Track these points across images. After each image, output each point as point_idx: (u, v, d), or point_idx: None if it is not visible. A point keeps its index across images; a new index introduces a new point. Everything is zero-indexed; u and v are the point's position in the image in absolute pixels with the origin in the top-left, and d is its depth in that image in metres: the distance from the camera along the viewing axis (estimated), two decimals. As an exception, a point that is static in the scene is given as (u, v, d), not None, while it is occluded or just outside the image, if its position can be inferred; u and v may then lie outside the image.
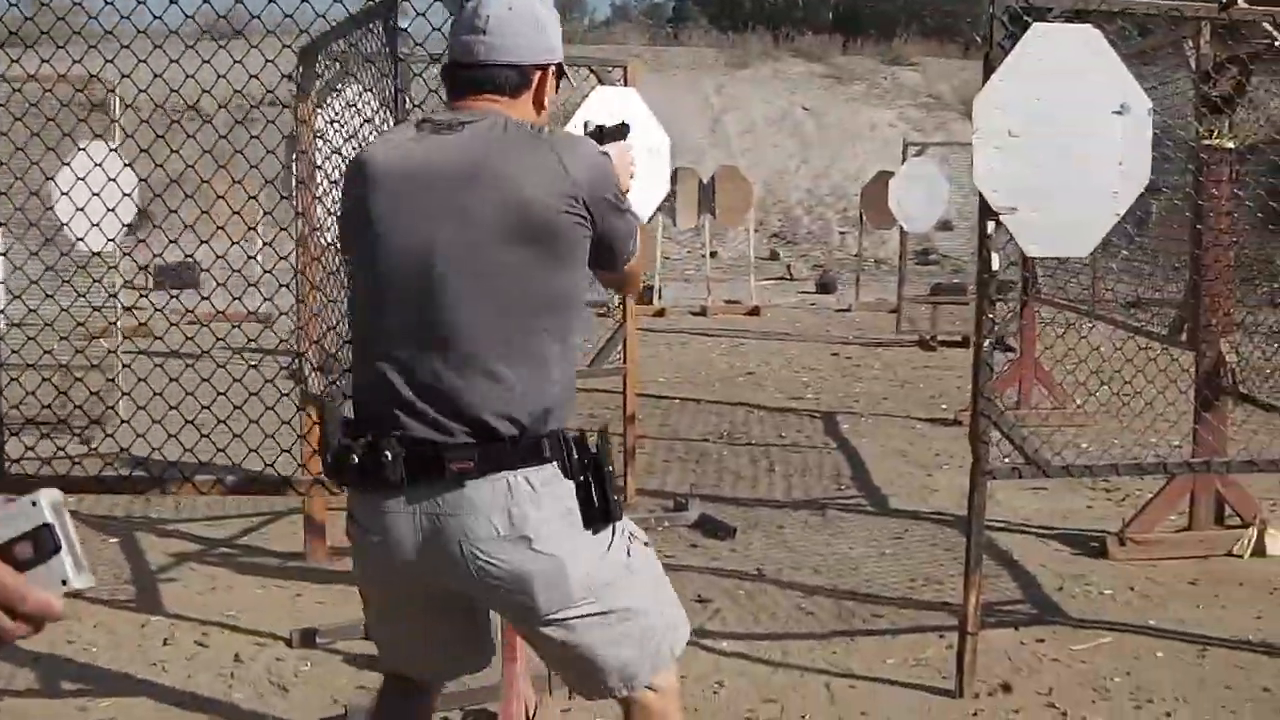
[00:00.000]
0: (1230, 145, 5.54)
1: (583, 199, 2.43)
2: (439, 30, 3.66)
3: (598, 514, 2.50)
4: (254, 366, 4.17)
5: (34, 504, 1.18)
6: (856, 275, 17.08)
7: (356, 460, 2.44)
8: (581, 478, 2.49)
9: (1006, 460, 4.20)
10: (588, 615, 2.51)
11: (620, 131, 2.84)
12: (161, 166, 4.16)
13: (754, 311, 15.77)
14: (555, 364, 2.50)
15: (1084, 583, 5.41)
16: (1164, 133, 5.59)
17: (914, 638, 4.80)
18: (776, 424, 9.19)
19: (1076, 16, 4.06)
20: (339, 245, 3.54)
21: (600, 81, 6.29)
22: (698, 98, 26.00)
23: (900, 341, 13.39)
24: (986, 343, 4.10)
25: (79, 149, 4.80)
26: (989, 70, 4.02)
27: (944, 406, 9.48)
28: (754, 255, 18.10)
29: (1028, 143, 3.99)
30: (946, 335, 13.05)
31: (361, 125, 4.06)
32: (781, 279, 20.62)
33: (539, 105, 2.62)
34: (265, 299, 4.25)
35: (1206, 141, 5.48)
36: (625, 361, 6.51)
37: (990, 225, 4.05)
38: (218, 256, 4.21)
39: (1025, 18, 3.99)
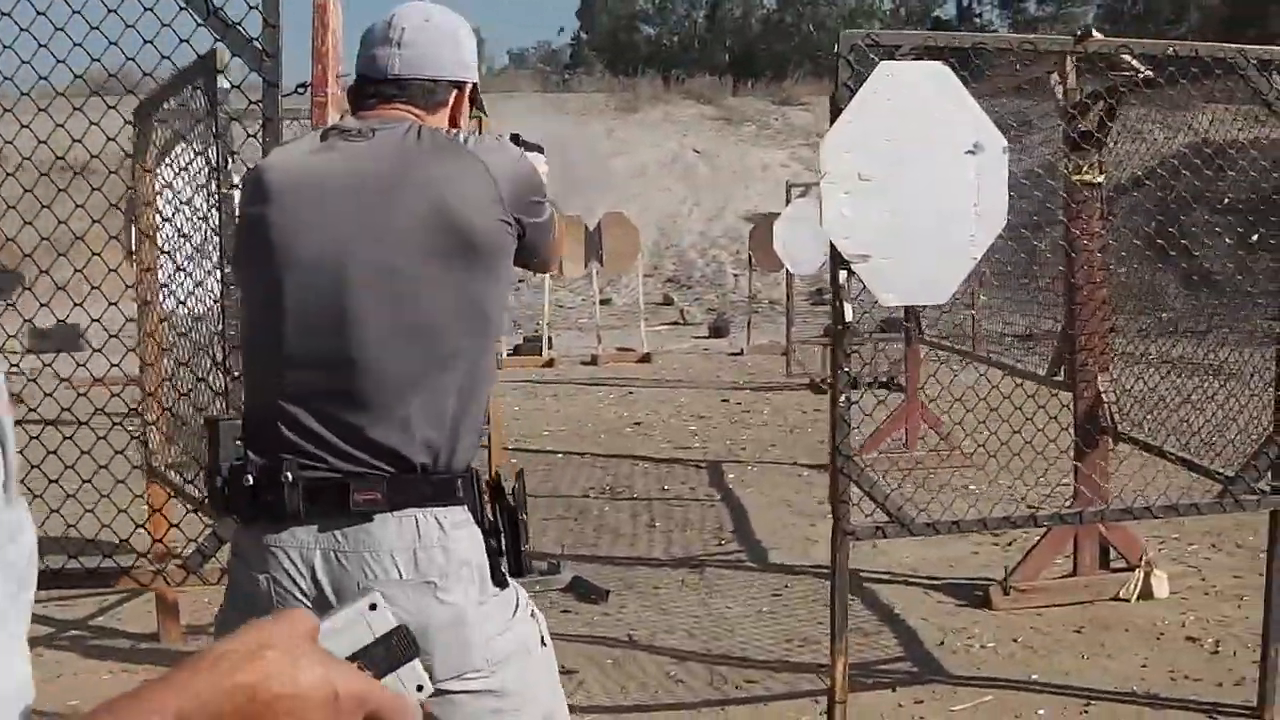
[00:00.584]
0: (1097, 180, 5.44)
1: (509, 205, 2.29)
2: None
3: (509, 568, 2.29)
4: (135, 437, 3.86)
5: (373, 607, 1.06)
6: (748, 318, 16.96)
7: (250, 483, 2.19)
8: (493, 526, 2.29)
9: (869, 519, 4.00)
10: (479, 692, 2.22)
11: (537, 148, 2.73)
12: (31, 224, 3.80)
13: (645, 359, 15.57)
14: (470, 392, 2.28)
15: (966, 636, 5.23)
16: (1047, 169, 5.50)
17: (789, 704, 4.57)
18: (661, 476, 8.95)
19: (926, 53, 3.89)
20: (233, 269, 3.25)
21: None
22: (587, 143, 25.88)
23: (790, 385, 13.25)
24: (843, 398, 3.90)
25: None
26: (836, 111, 3.84)
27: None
28: (645, 301, 17.92)
29: (878, 186, 3.81)
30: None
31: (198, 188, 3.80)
32: (675, 324, 20.47)
33: (454, 125, 2.45)
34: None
35: (1076, 177, 5.38)
36: (487, 420, 6.20)
37: (843, 274, 3.85)
38: (93, 319, 3.90)
39: (872, 55, 3.82)
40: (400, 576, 2.16)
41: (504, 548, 2.30)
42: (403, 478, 2.20)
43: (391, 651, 1.07)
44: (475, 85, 2.53)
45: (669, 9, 59.30)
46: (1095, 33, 4.09)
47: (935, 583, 6.01)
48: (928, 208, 3.83)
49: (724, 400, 12.51)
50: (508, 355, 15.10)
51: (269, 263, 2.28)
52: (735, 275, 23.32)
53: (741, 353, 15.96)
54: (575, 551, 6.83)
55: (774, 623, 5.55)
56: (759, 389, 13.14)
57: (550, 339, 16.00)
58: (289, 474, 2.17)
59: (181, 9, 3.15)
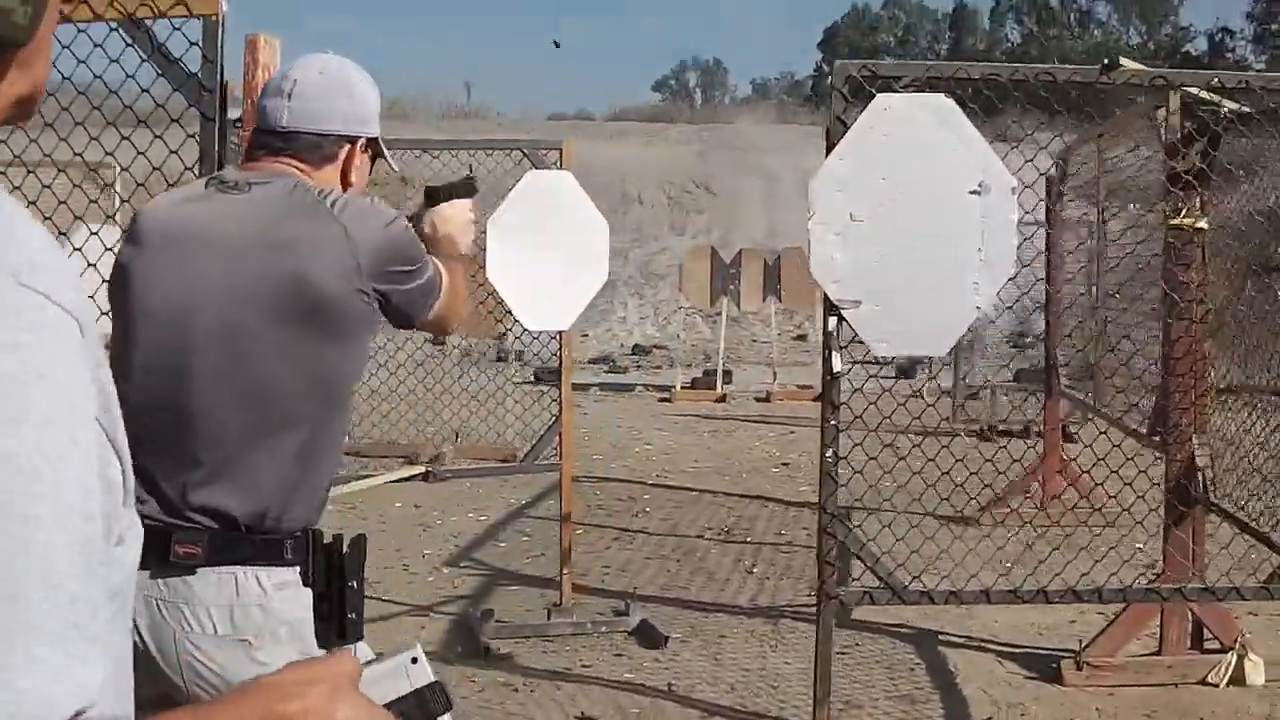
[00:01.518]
0: (1202, 225, 5.02)
1: (367, 274, 2.27)
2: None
3: (332, 630, 2.25)
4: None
5: (414, 660, 1.13)
6: (931, 359, 16.43)
7: None
8: (323, 588, 2.26)
9: (856, 582, 3.74)
10: None
11: (466, 187, 2.75)
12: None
13: (819, 397, 15.22)
14: (310, 457, 2.27)
15: (1019, 713, 4.86)
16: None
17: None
18: (785, 521, 8.70)
19: (928, 85, 3.63)
20: None
21: (533, 164, 5.99)
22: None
23: (955, 430, 12.74)
24: (829, 452, 3.67)
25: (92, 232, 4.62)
26: (831, 148, 3.62)
27: (974, 503, 8.88)
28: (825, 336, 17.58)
29: (872, 229, 3.58)
30: (1009, 424, 12.41)
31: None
32: (868, 361, 20.01)
33: (345, 182, 2.43)
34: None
35: (1173, 222, 4.97)
36: (561, 456, 6.11)
37: (832, 321, 3.62)
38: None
39: (869, 88, 3.59)
40: (215, 632, 2.17)
41: (331, 613, 2.26)
42: (226, 535, 2.19)
43: (425, 705, 1.15)
44: (375, 139, 2.49)
45: (911, 41, 58.94)
46: (1125, 62, 3.74)
47: (1013, 650, 5.62)
48: (927, 252, 3.58)
49: (886, 444, 12.09)
50: (681, 388, 15.04)
51: (126, 308, 2.30)
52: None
53: (920, 393, 15.44)
54: (662, 593, 6.70)
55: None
56: (925, 433, 12.64)
57: (728, 373, 15.84)
58: None
59: (128, 45, 3.18)
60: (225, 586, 2.18)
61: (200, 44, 3.17)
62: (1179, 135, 5.04)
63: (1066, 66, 3.79)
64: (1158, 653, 5.23)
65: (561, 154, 5.94)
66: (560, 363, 6.07)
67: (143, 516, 2.11)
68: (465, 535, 8.32)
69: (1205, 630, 5.26)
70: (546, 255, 5.75)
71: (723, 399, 15.01)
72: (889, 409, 4.51)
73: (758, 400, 15.41)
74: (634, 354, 20.68)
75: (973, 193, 3.56)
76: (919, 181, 3.57)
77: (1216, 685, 5.09)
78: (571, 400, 6.22)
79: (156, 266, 2.28)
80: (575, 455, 6.43)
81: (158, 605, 2.17)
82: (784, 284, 15.00)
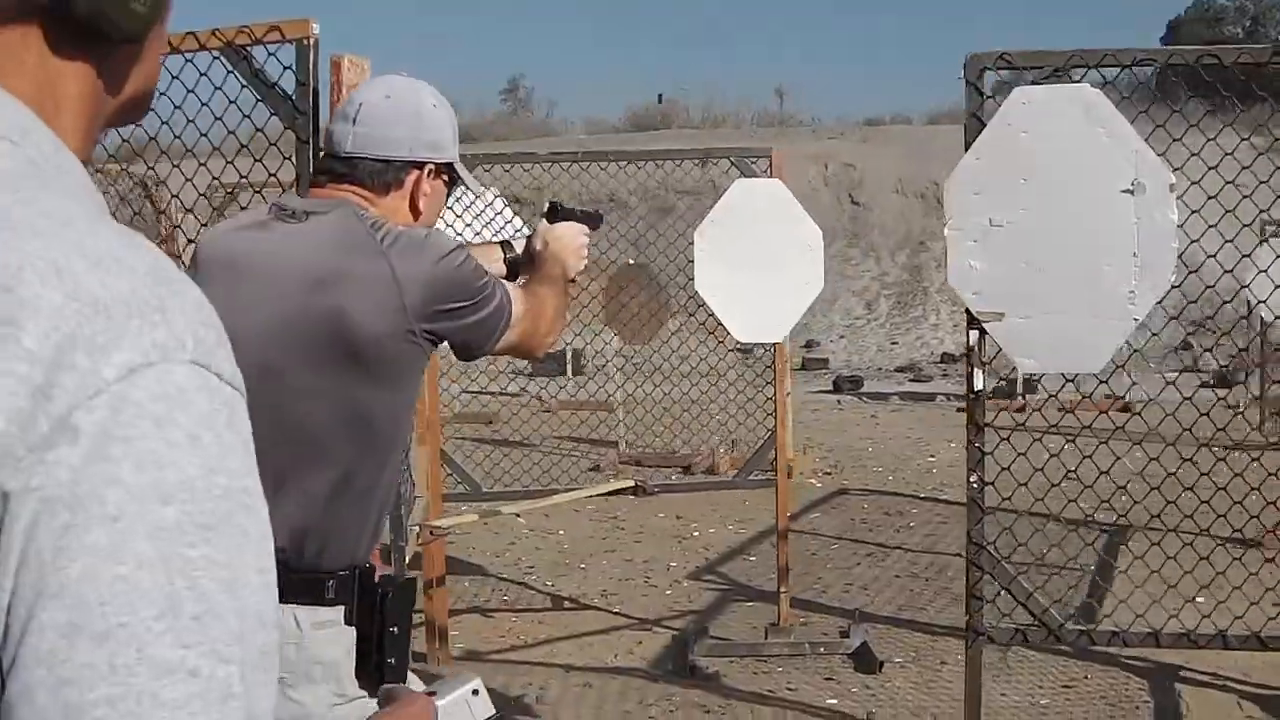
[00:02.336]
0: None
1: (414, 316, 2.19)
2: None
3: (369, 673, 2.20)
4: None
5: (475, 692, 1.17)
6: (1260, 367, 15.20)
7: None
8: (365, 629, 2.21)
9: (1006, 620, 3.46)
10: None
11: (591, 218, 2.71)
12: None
13: (1125, 408, 14.35)
14: (350, 497, 2.24)
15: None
16: None
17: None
18: (1048, 537, 8.21)
19: (1067, 75, 3.32)
20: None
21: (741, 173, 5.87)
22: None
23: (1256, 444, 11.73)
24: (974, 478, 3.40)
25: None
26: (968, 147, 3.36)
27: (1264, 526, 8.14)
28: (1164, 344, 16.52)
29: (1013, 234, 3.29)
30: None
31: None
32: (1185, 370, 18.73)
33: (414, 210, 2.36)
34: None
35: None
36: (776, 471, 5.96)
37: (973, 335, 3.36)
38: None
39: (1002, 79, 3.32)
40: None
41: (369, 655, 2.20)
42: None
43: None
44: (449, 165, 2.40)
45: (1260, 32, 54.76)
46: (1309, 42, 3.29)
47: (1260, 692, 5.08)
48: (1075, 259, 3.27)
49: (1188, 459, 11.24)
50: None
51: None
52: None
53: (1238, 405, 14.31)
54: (899, 613, 6.45)
55: (1032, 718, 4.93)
56: (1230, 447, 11.65)
57: (1030, 382, 15.15)
58: None
59: (229, 72, 3.28)
60: None
61: (294, 67, 3.24)
62: None
63: (1232, 47, 3.36)
64: None
65: (771, 161, 5.79)
66: (775, 374, 5.91)
67: None
68: (718, 548, 8.26)
69: None
70: (757, 266, 5.62)
71: (1022, 409, 14.34)
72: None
73: (1059, 410, 14.64)
74: (942, 362, 20.10)
75: (1125, 191, 3.22)
76: (1064, 181, 3.26)
77: None
78: (786, 412, 6.06)
79: (208, 295, 2.31)
80: (800, 467, 6.26)
81: None
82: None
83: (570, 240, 2.61)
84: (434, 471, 5.55)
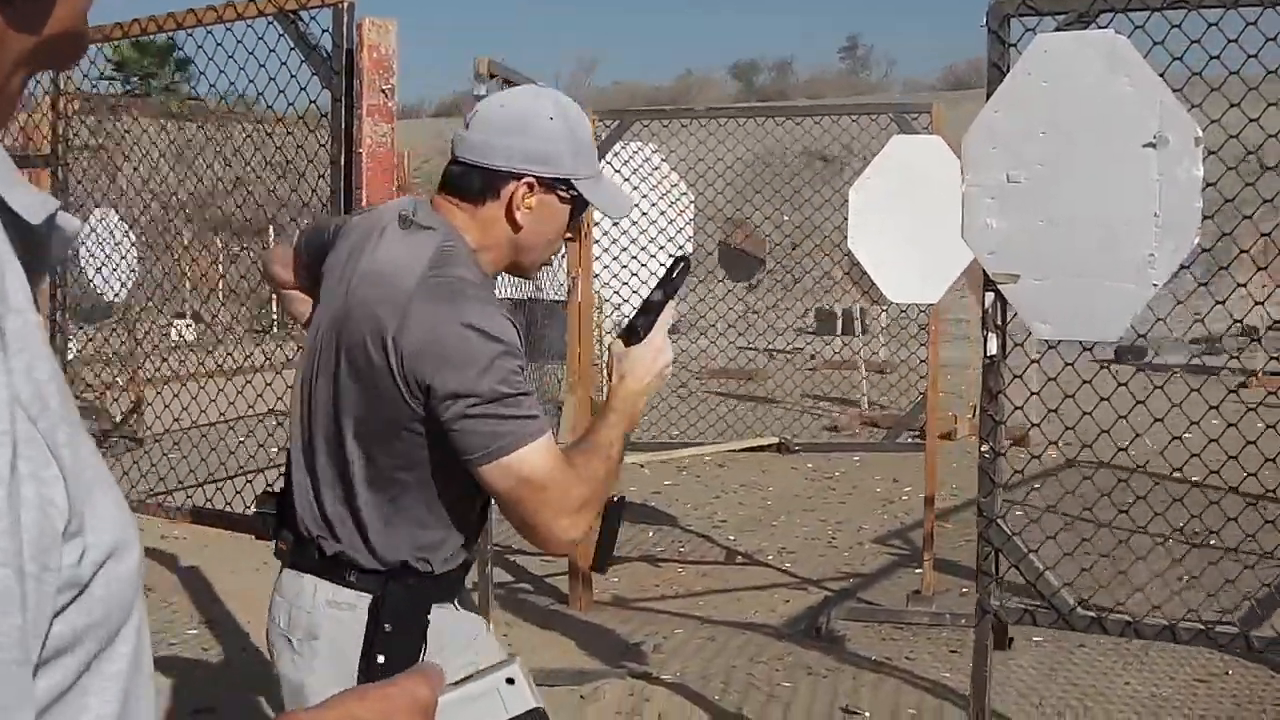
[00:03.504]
0: None
1: (403, 362, 2.09)
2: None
3: (363, 667, 2.18)
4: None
5: (510, 681, 1.00)
6: None
7: None
8: (387, 626, 2.18)
9: (1017, 601, 3.28)
10: None
11: (668, 285, 2.24)
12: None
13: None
14: (384, 500, 2.20)
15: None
16: None
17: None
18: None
19: (1089, 19, 3.08)
20: None
21: (900, 129, 5.69)
22: None
23: None
24: (986, 448, 3.23)
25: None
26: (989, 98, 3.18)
27: None
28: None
29: (1032, 190, 3.10)
30: None
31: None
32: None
33: (512, 222, 2.22)
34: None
35: None
36: (926, 435, 5.78)
37: (989, 298, 3.19)
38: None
39: (1024, 26, 3.11)
40: (279, 626, 2.28)
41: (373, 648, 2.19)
42: (303, 542, 2.25)
43: None
44: (567, 182, 2.23)
45: None
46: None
47: None
48: (1095, 217, 3.05)
49: None
50: (1265, 373, 13.56)
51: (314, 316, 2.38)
52: None
53: None
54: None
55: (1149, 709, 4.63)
56: None
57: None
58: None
59: (280, 36, 3.46)
60: (295, 588, 2.24)
61: (330, 29, 3.37)
62: None
63: (1276, -13, 3.00)
64: None
65: (932, 117, 5.59)
66: (931, 339, 5.72)
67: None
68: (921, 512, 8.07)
69: None
70: (914, 224, 5.45)
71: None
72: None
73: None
74: (1244, 335, 18.73)
75: (1147, 145, 2.97)
76: (1084, 135, 3.02)
77: None
78: (937, 376, 5.86)
79: (326, 284, 2.30)
80: (941, 429, 6.04)
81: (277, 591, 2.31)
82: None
83: (647, 373, 2.25)
84: (581, 420, 5.66)
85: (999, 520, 3.23)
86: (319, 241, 2.36)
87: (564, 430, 5.73)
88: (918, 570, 6.57)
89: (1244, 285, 3.48)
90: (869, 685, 4.87)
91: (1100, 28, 3.06)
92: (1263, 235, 3.76)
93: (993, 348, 3.19)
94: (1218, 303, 3.47)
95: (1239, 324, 3.92)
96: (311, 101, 3.62)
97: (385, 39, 3.28)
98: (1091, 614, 3.25)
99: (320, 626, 2.20)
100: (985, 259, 3.15)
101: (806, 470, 9.41)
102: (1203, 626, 3.16)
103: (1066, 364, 3.37)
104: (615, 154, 5.86)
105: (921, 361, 7.82)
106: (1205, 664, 5.10)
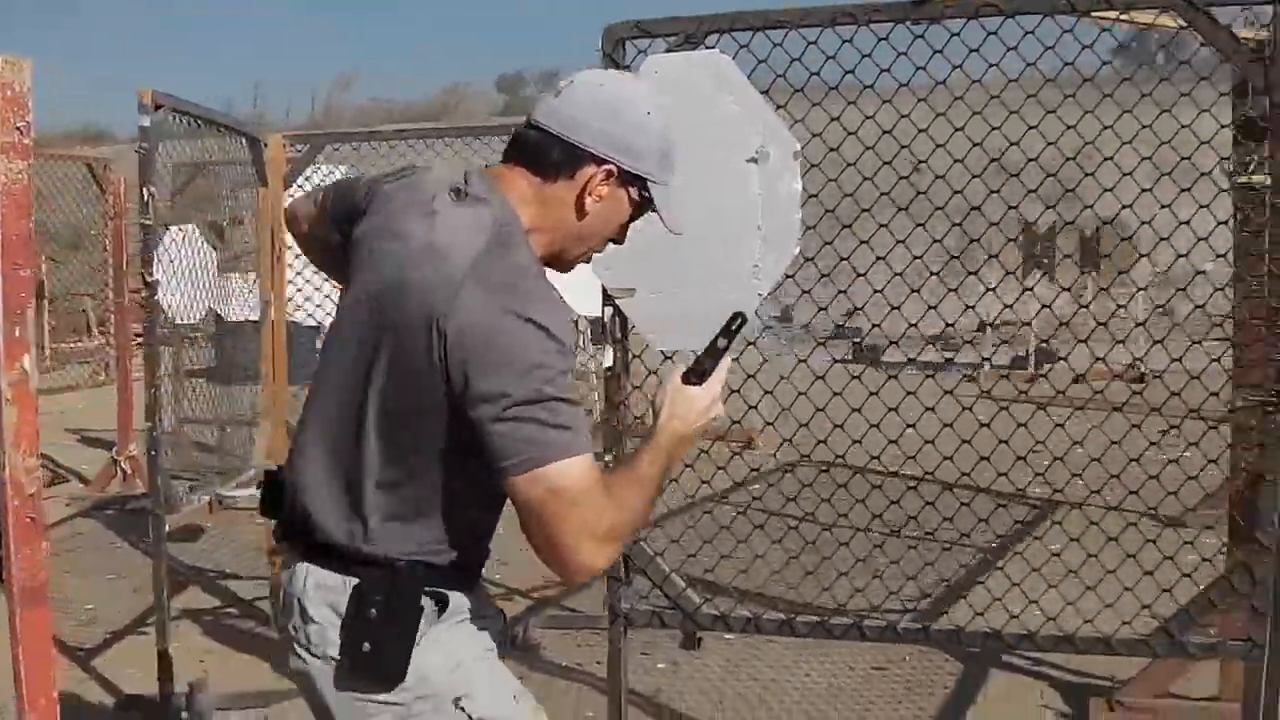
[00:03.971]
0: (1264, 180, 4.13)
1: (444, 349, 1.95)
2: None
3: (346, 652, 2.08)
4: None
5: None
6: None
7: None
8: (372, 612, 2.06)
9: (644, 602, 3.36)
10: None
11: (722, 343, 2.22)
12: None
13: (1140, 379, 13.93)
14: (383, 492, 2.06)
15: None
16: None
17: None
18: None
19: (697, 40, 3.17)
20: None
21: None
22: None
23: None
24: (609, 456, 3.29)
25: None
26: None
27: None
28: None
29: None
30: None
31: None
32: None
33: (580, 209, 2.11)
34: None
35: (1241, 179, 4.12)
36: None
37: (608, 311, 3.25)
38: None
39: (637, 48, 3.18)
40: (286, 612, 2.16)
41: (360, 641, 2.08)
42: (306, 532, 2.13)
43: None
44: (643, 180, 2.13)
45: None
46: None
47: (1067, 677, 4.88)
48: (706, 232, 3.12)
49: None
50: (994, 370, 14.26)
51: (341, 299, 2.22)
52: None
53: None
54: (762, 588, 6.31)
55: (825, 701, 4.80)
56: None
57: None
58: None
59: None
60: (298, 574, 2.13)
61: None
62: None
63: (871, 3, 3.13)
64: (1217, 698, 4.40)
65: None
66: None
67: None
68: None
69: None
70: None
71: (1033, 380, 14.06)
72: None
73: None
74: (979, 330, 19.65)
75: (749, 161, 3.07)
76: (696, 151, 3.09)
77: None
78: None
79: (359, 253, 2.14)
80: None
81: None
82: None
83: (699, 419, 2.16)
84: (277, 444, 5.54)
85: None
86: (349, 203, 2.22)
87: (258, 454, 5.61)
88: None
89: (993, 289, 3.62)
90: (558, 693, 4.91)
91: (709, 48, 3.15)
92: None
93: (609, 360, 3.24)
94: (951, 290, 3.59)
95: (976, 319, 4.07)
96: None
97: (19, 76, 3.15)
98: (716, 612, 3.34)
99: (310, 611, 2.09)
100: (602, 274, 3.21)
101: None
102: (818, 620, 3.29)
103: (800, 360, 3.47)
104: (307, 178, 5.76)
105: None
106: (885, 652, 5.30)
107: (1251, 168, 4.09)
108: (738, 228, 3.10)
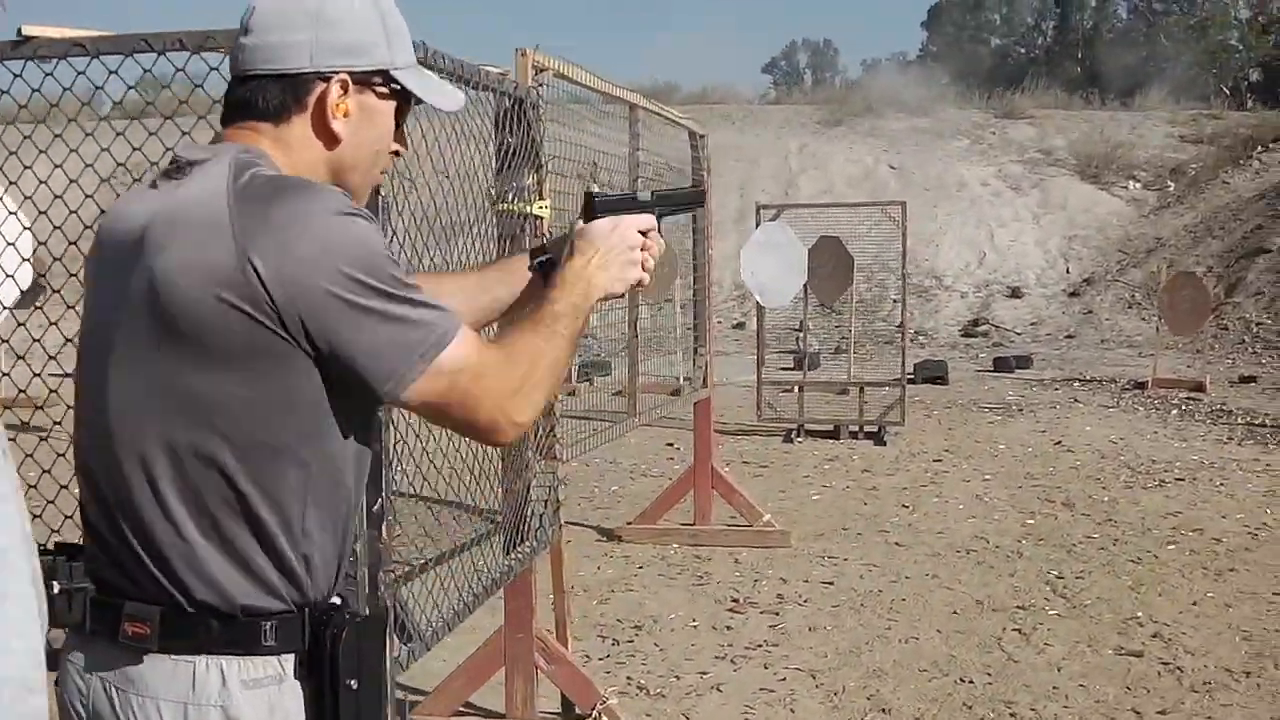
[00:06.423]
0: (538, 211, 4.24)
1: (267, 288, 1.56)
2: None
3: None
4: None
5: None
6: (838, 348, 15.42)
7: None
8: (315, 684, 1.69)
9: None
10: None
11: (691, 197, 2.14)
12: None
13: (675, 392, 14.29)
14: (265, 520, 1.64)
15: None
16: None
17: None
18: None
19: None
20: None
21: None
22: (775, 159, 24.79)
23: (760, 430, 11.83)
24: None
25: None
26: None
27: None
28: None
29: None
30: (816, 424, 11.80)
31: None
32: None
33: (325, 134, 1.75)
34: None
35: (502, 206, 4.21)
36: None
37: None
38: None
39: None
40: None
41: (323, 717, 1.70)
42: (181, 613, 1.64)
43: None
44: (385, 73, 1.77)
45: (1016, 20, 56.03)
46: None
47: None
48: None
49: (669, 444, 11.07)
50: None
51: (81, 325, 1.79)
52: (895, 300, 21.29)
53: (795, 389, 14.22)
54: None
55: None
56: (730, 434, 11.53)
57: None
58: (56, 584, 1.71)
59: None
60: (180, 679, 1.63)
61: None
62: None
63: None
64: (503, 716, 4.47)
65: None
66: None
67: (99, 575, 1.71)
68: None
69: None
70: None
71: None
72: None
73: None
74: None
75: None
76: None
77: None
78: None
79: (92, 279, 1.76)
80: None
81: (108, 690, 1.66)
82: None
83: (614, 246, 1.93)
84: None
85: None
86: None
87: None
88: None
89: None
90: None
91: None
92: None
93: None
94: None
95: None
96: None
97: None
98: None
99: (247, 716, 1.64)
100: None
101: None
102: None
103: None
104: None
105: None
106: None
107: (513, 197, 4.24)
108: None
